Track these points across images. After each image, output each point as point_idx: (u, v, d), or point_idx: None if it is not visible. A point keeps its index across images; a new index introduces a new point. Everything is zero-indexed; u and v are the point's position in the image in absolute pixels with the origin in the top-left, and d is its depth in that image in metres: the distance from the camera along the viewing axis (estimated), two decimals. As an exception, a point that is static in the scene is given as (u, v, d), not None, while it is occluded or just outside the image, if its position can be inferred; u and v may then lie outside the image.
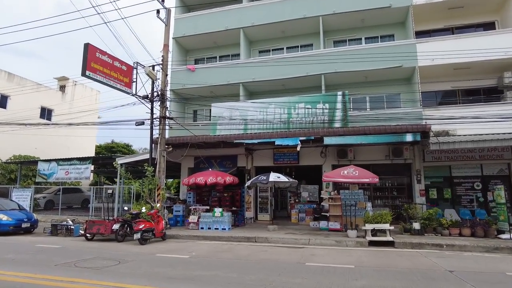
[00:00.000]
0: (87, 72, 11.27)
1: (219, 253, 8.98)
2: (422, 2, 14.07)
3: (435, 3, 14.02)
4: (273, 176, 12.51)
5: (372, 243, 10.23)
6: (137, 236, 10.28)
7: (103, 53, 12.01)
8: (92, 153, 29.08)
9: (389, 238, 10.28)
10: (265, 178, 12.52)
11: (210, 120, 16.26)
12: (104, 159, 17.99)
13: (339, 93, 13.44)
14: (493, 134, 11.98)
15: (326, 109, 13.31)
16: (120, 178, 15.13)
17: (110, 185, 27.99)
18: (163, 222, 11.63)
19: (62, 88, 27.59)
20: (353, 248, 9.86)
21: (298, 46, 16.86)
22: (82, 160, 16.62)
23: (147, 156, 15.22)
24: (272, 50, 17.19)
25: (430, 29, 14.92)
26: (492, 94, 13.96)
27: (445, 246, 9.71)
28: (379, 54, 13.83)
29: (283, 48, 17.06)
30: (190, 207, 14.28)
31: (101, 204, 15.88)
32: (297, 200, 16.43)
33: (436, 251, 9.37)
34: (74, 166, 16.44)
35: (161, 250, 9.34)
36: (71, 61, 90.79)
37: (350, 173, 11.02)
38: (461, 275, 6.46)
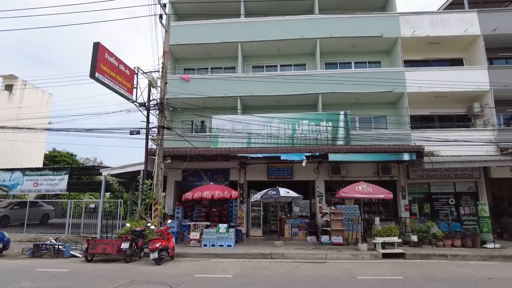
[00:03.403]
0: (97, 74, 10.28)
1: (256, 270, 8.68)
2: (408, 35, 15.71)
3: (418, 37, 15.75)
4: (283, 191, 12.56)
5: (384, 256, 10.83)
6: (154, 255, 9.46)
7: (111, 54, 11.09)
8: (40, 162, 25.86)
9: (399, 250, 10.98)
10: (275, 193, 12.48)
11: (205, 132, 15.80)
12: (82, 170, 16.12)
13: (342, 112, 14.17)
14: (471, 155, 13.70)
15: (329, 126, 13.88)
16: (114, 191, 13.69)
17: (58, 198, 25.15)
18: (173, 239, 10.85)
19: (9, 87, 24.26)
20: (373, 261, 10.28)
21: (291, 65, 17.41)
22: (56, 170, 14.68)
23: (138, 167, 14.16)
24: (266, 66, 17.47)
25: (412, 60, 16.65)
26: (462, 121, 15.97)
27: (449, 256, 10.67)
28: (372, 79, 14.99)
29: (276, 66, 17.45)
30: (189, 223, 13.51)
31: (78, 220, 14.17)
32: (288, 215, 16.60)
33: (445, 261, 10.26)
34: (45, 177, 14.42)
35: (189, 270, 8.71)
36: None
37: (364, 189, 11.61)
38: (501, 281, 7.26)
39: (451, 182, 15.52)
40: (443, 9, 18.06)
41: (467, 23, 15.58)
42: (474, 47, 16.09)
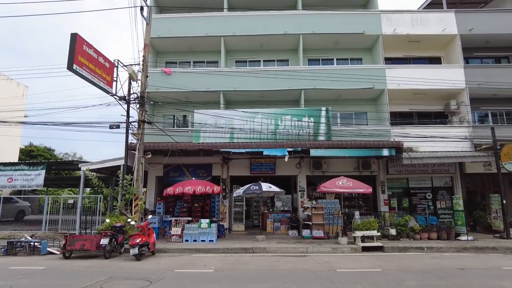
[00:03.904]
0: (74, 66, 9.97)
1: (237, 265, 8.70)
2: (389, 33, 15.99)
3: (399, 35, 16.07)
4: (265, 186, 12.63)
5: (364, 249, 11.07)
6: (134, 251, 9.33)
7: (90, 46, 10.77)
8: (15, 157, 24.95)
9: (378, 243, 11.25)
10: (257, 188, 12.53)
11: (187, 127, 15.65)
12: (60, 165, 15.65)
13: (323, 108, 14.32)
14: (448, 151, 14.15)
15: (311, 122, 14.01)
16: (94, 187, 13.37)
17: (35, 194, 24.40)
18: (154, 235, 10.73)
19: (-20, 79, 23.21)
20: (352, 254, 10.50)
21: (274, 60, 17.42)
22: (32, 165, 14.19)
23: (118, 162, 13.88)
24: (249, 61, 17.41)
25: (392, 57, 16.96)
26: (439, 118, 16.45)
27: (425, 248, 11.02)
28: (353, 75, 15.16)
29: (259, 61, 17.42)
30: (171, 219, 13.38)
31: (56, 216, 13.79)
32: (270, 210, 16.71)
33: (422, 253, 10.59)
34: (20, 172, 13.92)
35: (170, 265, 8.66)
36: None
37: (344, 184, 11.79)
38: (473, 271, 7.58)
39: (429, 177, 15.99)
40: (423, 8, 18.48)
41: (445, 23, 16.00)
42: (451, 46, 16.55)
